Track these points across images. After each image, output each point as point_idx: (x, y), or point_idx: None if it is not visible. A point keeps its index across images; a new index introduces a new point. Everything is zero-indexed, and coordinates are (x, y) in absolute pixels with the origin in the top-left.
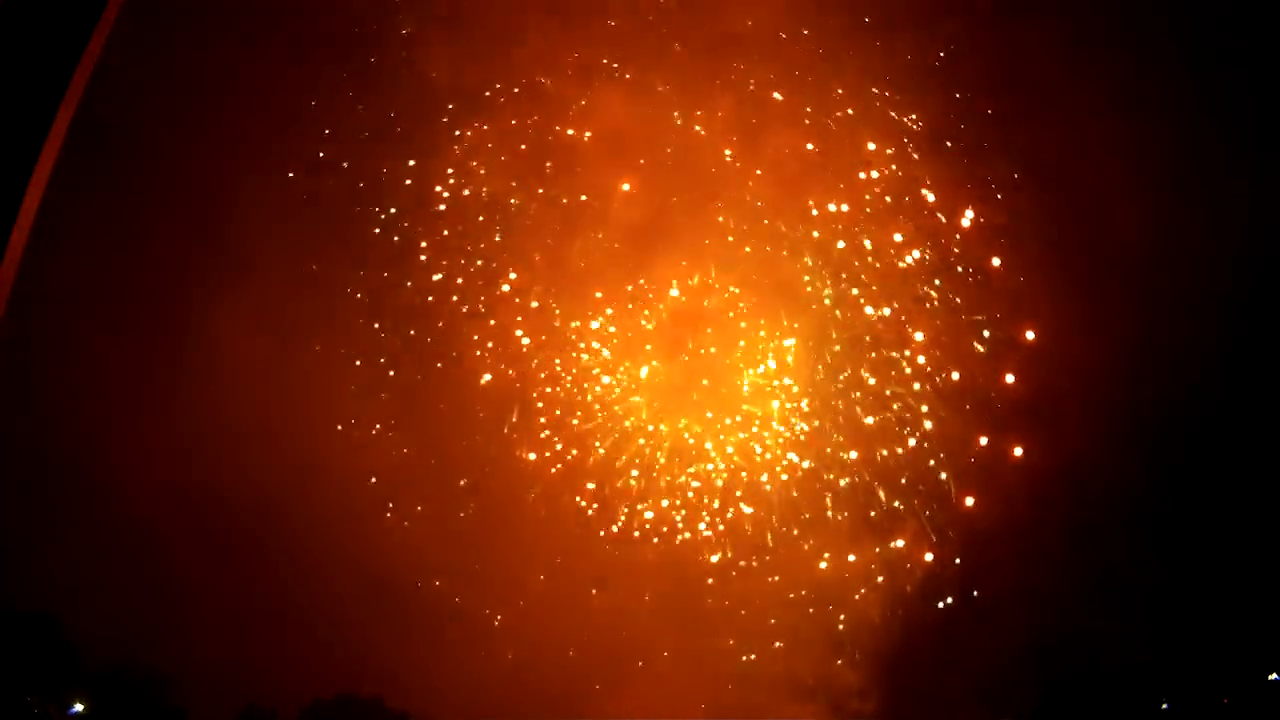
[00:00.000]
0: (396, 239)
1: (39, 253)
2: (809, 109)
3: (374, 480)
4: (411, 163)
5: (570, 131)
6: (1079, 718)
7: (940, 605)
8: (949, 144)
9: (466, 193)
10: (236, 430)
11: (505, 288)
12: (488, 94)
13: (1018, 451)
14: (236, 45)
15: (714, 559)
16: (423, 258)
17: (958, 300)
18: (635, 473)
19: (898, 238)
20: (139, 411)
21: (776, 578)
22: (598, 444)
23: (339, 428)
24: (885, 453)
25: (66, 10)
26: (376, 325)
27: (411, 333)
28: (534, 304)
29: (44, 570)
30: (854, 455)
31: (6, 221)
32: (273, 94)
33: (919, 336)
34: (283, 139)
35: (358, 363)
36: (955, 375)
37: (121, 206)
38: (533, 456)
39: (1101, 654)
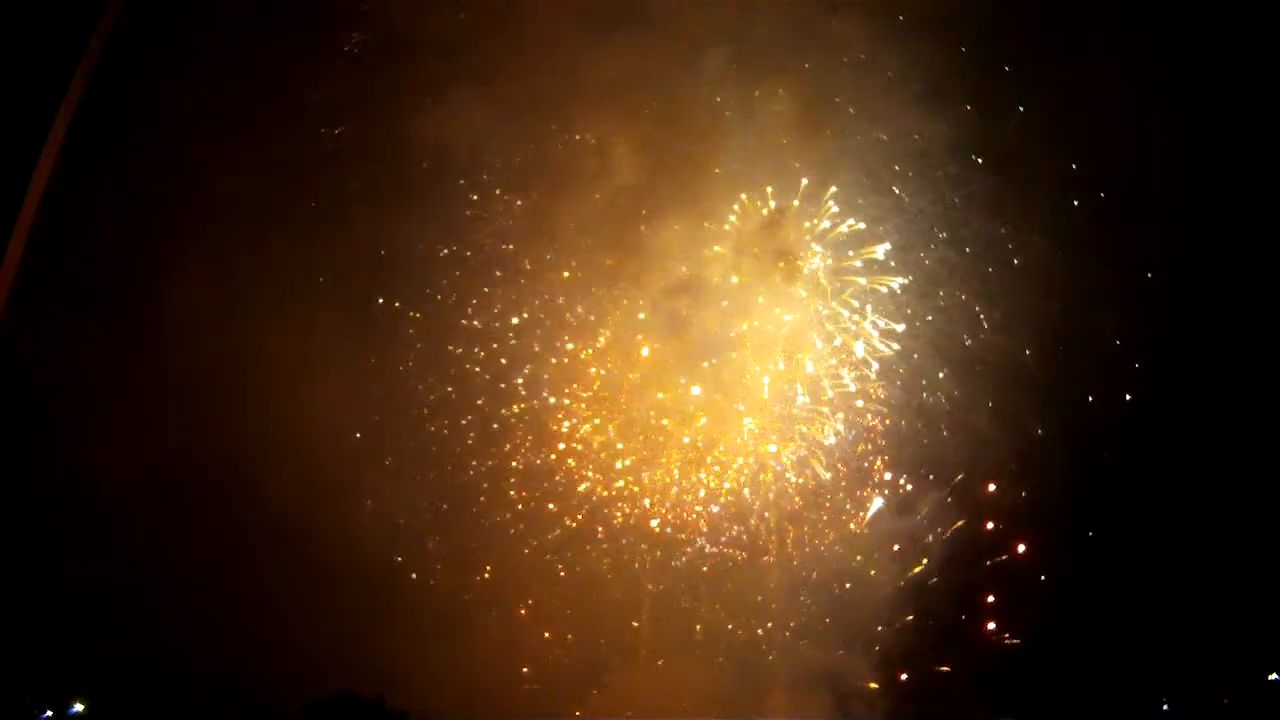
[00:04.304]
0: (372, 203)
1: None
2: (807, 63)
3: (357, 466)
4: (384, 123)
5: (555, 85)
6: (1079, 718)
7: (942, 604)
8: (954, 99)
9: (447, 156)
10: (208, 407)
11: (493, 268)
12: (463, 46)
13: (1036, 434)
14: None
15: (716, 553)
16: (400, 223)
17: (965, 274)
18: (632, 461)
19: (896, 190)
20: (101, 386)
21: (779, 570)
22: (592, 429)
23: (319, 408)
24: (898, 432)
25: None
26: (353, 296)
27: (395, 305)
28: (521, 279)
29: (23, 562)
30: (863, 437)
31: (6, 223)
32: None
33: (925, 308)
34: (254, 104)
35: (332, 335)
36: (966, 343)
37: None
38: (527, 444)
39: (1101, 654)
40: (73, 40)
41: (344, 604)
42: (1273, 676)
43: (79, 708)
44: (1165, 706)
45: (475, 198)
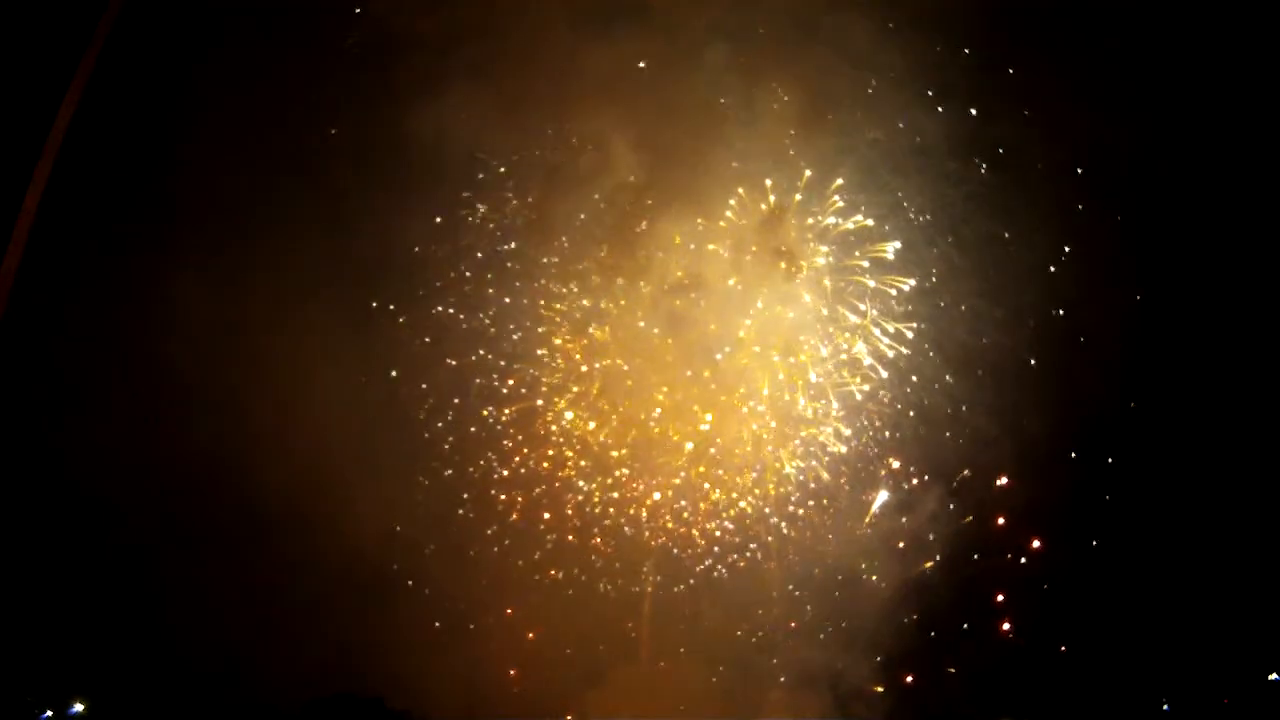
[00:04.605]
0: (368, 202)
1: None
2: (807, 60)
3: (354, 467)
4: (380, 122)
5: (552, 83)
6: (1079, 718)
7: (942, 603)
8: (955, 98)
9: (444, 155)
10: (206, 407)
11: (490, 268)
12: (460, 44)
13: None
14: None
15: (716, 550)
16: (396, 222)
17: (967, 273)
18: (631, 462)
19: (896, 188)
20: (100, 387)
21: (781, 571)
22: (590, 431)
23: (317, 409)
24: (900, 432)
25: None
26: (349, 297)
27: (391, 306)
28: (518, 279)
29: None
30: (865, 438)
31: (7, 223)
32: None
33: (927, 307)
34: (250, 104)
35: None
36: (967, 343)
37: (76, 169)
38: (524, 447)
39: (1101, 654)
40: (73, 42)
41: (344, 605)
42: (1273, 676)
43: (79, 708)
44: (1165, 706)
45: (472, 195)
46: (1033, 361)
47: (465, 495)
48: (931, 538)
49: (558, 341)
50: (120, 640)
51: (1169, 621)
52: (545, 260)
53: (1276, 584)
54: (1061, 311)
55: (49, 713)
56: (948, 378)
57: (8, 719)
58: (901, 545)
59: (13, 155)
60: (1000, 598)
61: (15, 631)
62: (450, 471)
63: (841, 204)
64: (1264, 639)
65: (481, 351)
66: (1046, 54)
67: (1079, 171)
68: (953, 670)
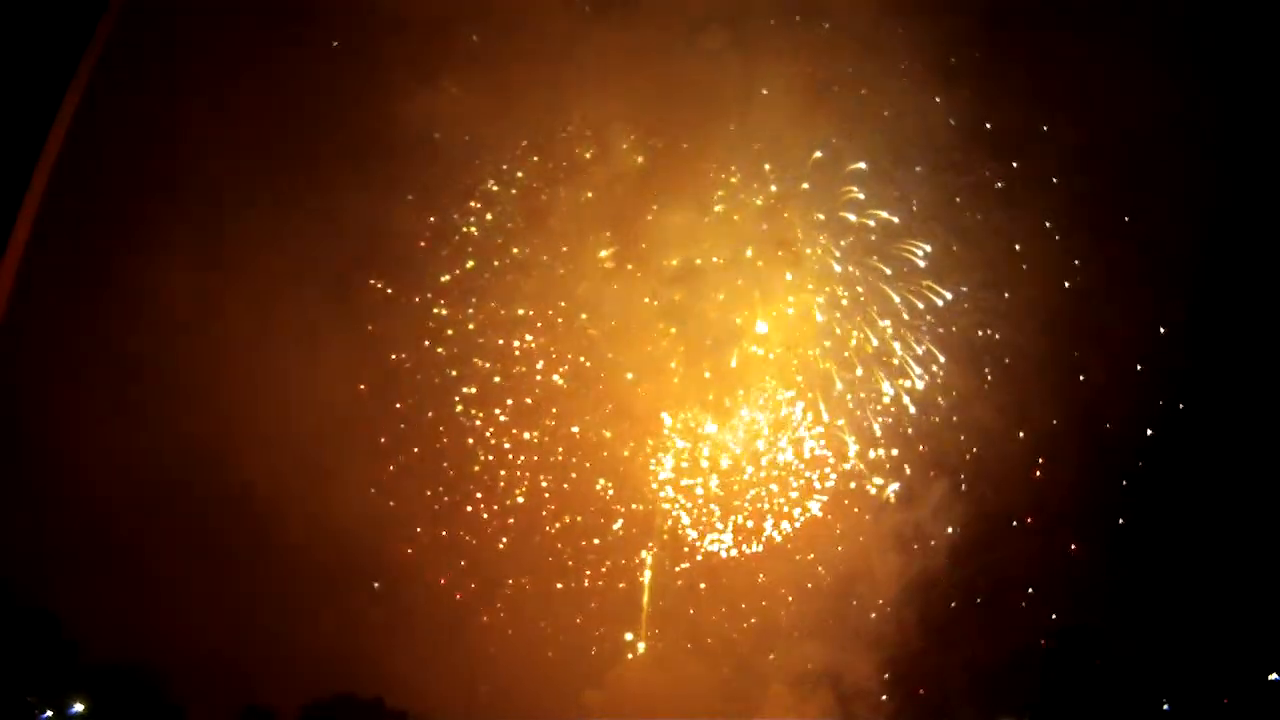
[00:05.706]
0: (361, 193)
1: None
2: (808, 46)
3: (352, 464)
4: (373, 109)
5: (549, 68)
6: (1079, 717)
7: (944, 602)
8: (962, 86)
9: (437, 143)
10: (182, 391)
11: (485, 260)
12: (454, 29)
13: (1041, 432)
14: None
15: (715, 548)
16: (389, 214)
17: (972, 264)
18: (630, 458)
19: (901, 178)
20: (75, 371)
21: (783, 570)
22: (588, 425)
23: (301, 389)
24: (904, 430)
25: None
26: (342, 291)
27: (384, 301)
28: (514, 270)
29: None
30: (868, 435)
31: (6, 224)
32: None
33: (931, 300)
34: (244, 92)
35: (315, 313)
36: (979, 335)
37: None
38: (523, 442)
39: (1101, 654)
40: (73, 42)
41: (342, 605)
42: (1273, 676)
43: (79, 708)
44: (1165, 706)
45: (465, 186)
46: (1040, 355)
47: (463, 496)
48: (933, 537)
49: (555, 337)
50: (120, 640)
51: (1169, 621)
52: (543, 251)
53: (1276, 584)
54: (1069, 306)
55: (49, 713)
56: (953, 372)
57: (8, 719)
58: (903, 544)
59: (12, 155)
60: (1001, 598)
61: (16, 632)
62: (450, 466)
63: (845, 194)
64: (1264, 639)
65: (475, 349)
66: (1056, 44)
67: (1090, 165)
68: (954, 670)
